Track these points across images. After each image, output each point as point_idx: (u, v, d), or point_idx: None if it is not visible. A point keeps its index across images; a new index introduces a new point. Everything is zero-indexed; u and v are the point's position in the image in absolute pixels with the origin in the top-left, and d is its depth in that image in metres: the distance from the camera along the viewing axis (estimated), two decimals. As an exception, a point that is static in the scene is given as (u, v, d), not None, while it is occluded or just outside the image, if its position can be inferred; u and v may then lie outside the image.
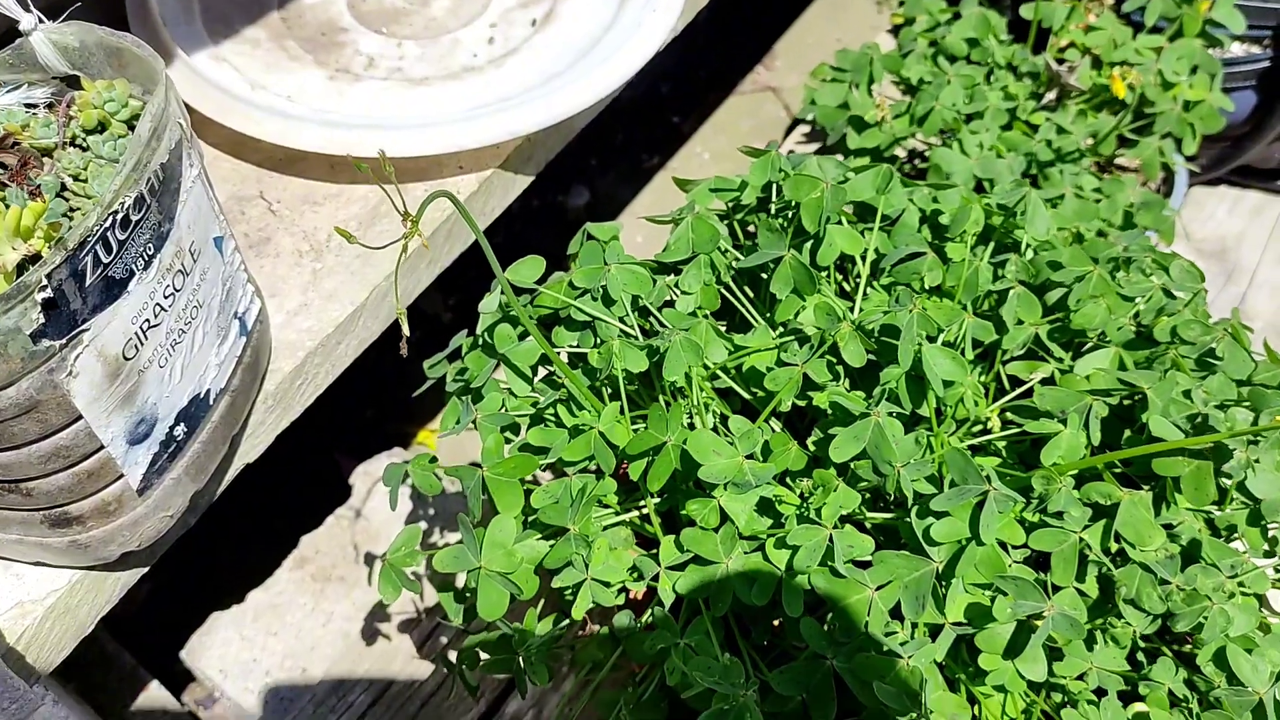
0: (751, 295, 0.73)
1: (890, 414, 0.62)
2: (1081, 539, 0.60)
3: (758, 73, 1.55)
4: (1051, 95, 1.02)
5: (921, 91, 0.97)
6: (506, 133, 0.84)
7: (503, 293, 0.68)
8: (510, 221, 1.43)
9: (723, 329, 0.71)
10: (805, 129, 1.23)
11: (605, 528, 0.64)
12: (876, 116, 0.92)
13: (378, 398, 1.27)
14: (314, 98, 0.88)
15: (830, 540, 0.59)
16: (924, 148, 1.03)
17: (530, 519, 0.64)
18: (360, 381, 1.23)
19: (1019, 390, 0.68)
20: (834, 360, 0.66)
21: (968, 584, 0.59)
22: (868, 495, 0.65)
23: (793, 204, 0.70)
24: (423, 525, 1.01)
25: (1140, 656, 0.64)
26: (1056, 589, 0.59)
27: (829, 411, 0.63)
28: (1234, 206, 1.33)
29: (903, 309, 0.62)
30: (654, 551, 0.62)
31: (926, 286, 0.71)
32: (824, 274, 0.74)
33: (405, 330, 0.54)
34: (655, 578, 0.61)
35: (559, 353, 0.67)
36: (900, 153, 1.05)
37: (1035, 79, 1.02)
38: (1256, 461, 0.64)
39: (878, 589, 0.59)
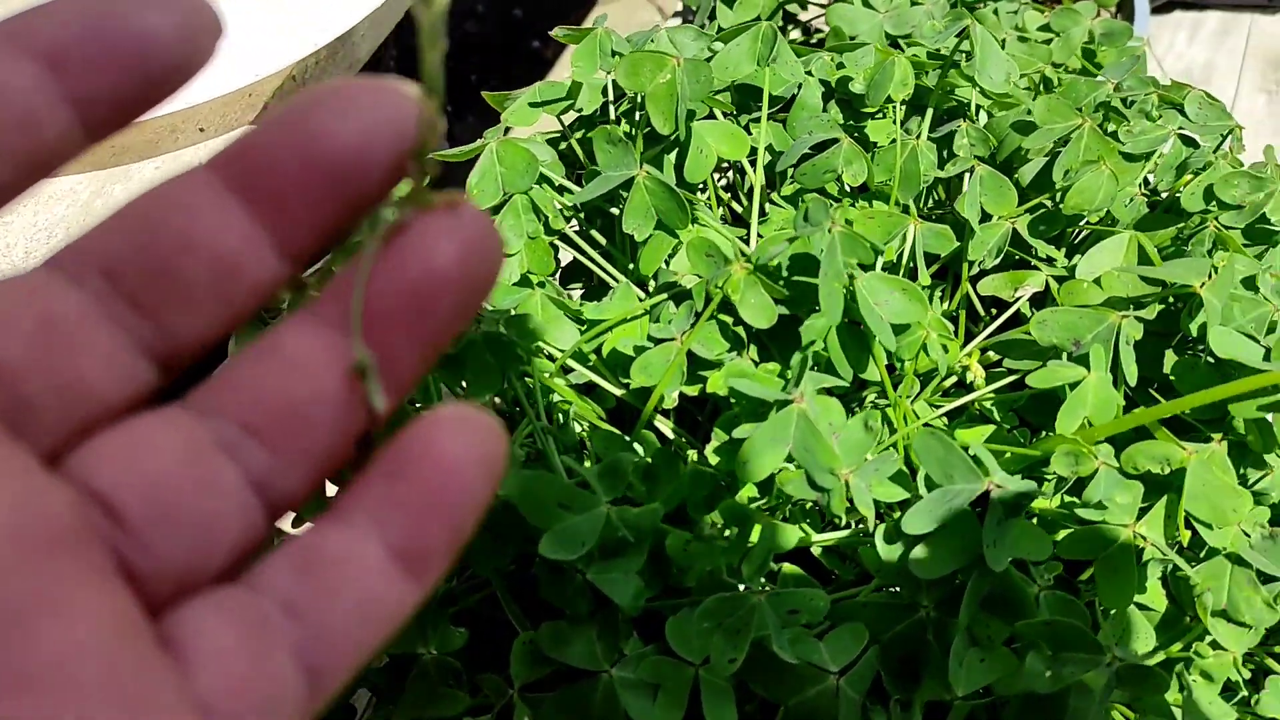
0: (606, 243, 0.51)
1: (823, 391, 0.41)
2: (1136, 533, 0.39)
3: (622, -32, 1.31)
4: (970, -82, 0.80)
5: (806, -64, 0.75)
6: (252, 74, 0.61)
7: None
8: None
9: (573, 299, 0.49)
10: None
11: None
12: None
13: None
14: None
15: (758, 610, 0.37)
16: (820, 15, 0.81)
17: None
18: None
19: (1003, 317, 0.46)
20: (730, 322, 0.44)
21: (980, 634, 0.39)
22: (811, 506, 0.44)
23: (639, 99, 0.48)
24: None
25: (1238, 677, 0.43)
26: (1106, 616, 0.39)
27: (732, 401, 0.42)
28: (1194, 33, 1.13)
29: (816, 228, 0.40)
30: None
31: (848, 188, 0.49)
32: (702, 195, 0.52)
33: None
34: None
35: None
36: (794, 34, 0.83)
37: (947, -100, 0.80)
38: (1363, 365, 0.43)
39: (842, 674, 0.38)
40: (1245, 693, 0.43)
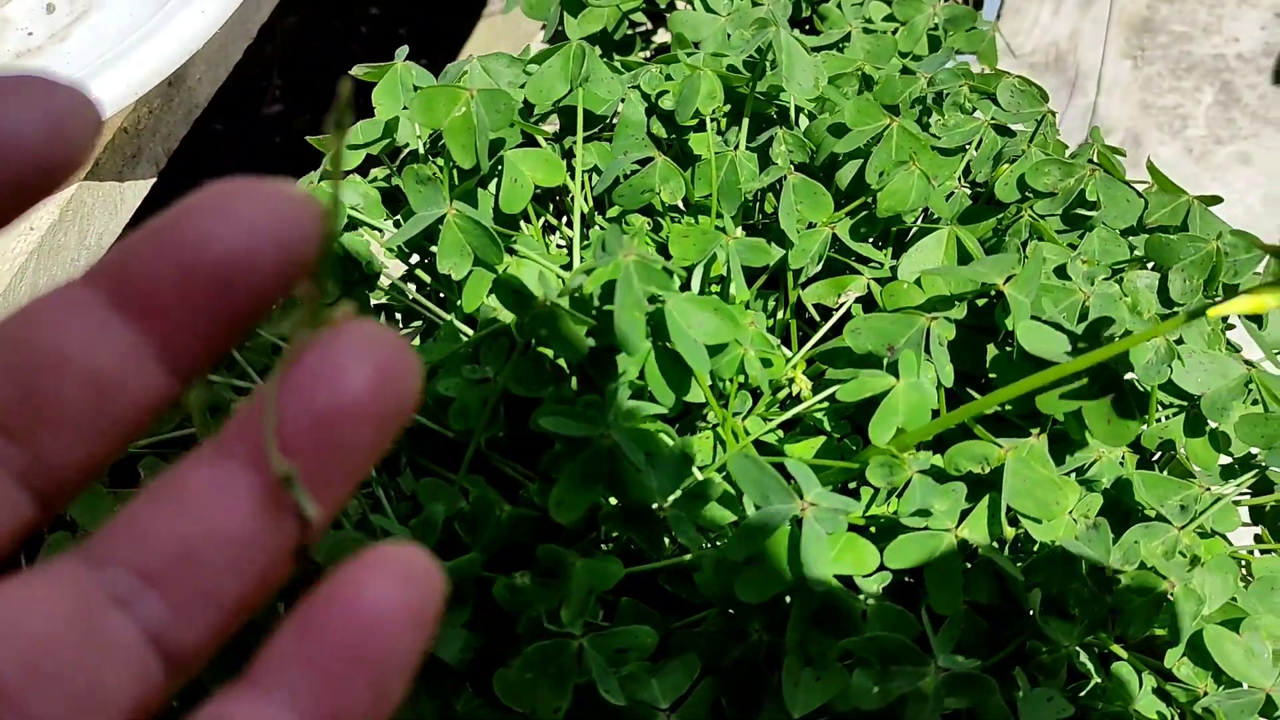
0: (430, 282, 0.50)
1: (646, 420, 0.40)
2: (959, 538, 0.39)
3: (491, -18, 1.30)
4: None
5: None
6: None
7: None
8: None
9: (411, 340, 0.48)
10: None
11: None
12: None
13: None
14: None
15: (582, 653, 0.37)
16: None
17: None
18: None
19: (828, 325, 0.46)
20: (551, 355, 0.43)
21: (813, 653, 0.38)
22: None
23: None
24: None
25: (1085, 663, 0.43)
26: (939, 621, 0.38)
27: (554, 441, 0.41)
28: (1058, 6, 1.14)
29: (610, 257, 0.39)
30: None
31: (666, 204, 0.48)
32: (527, 225, 0.51)
33: None
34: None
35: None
36: (651, 54, 0.82)
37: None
38: (1180, 343, 0.43)
39: (673, 709, 0.37)
40: (1098, 680, 0.43)
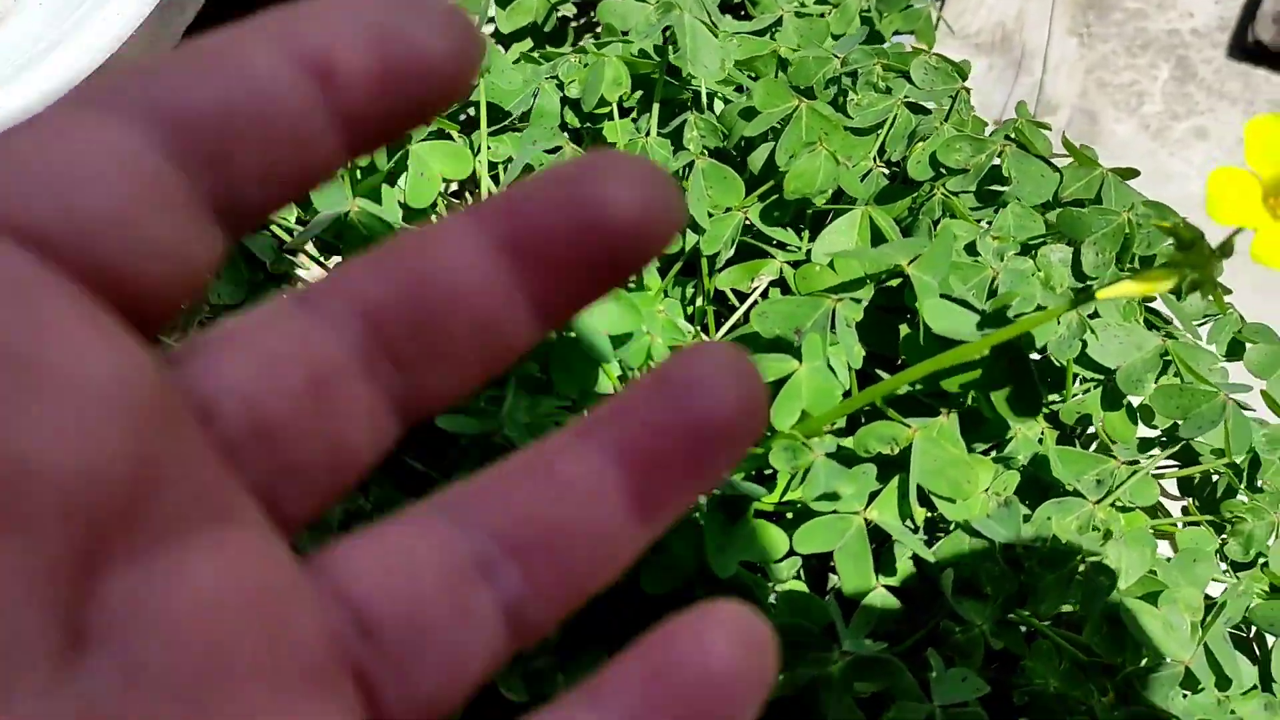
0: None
1: (553, 412, 0.39)
2: (869, 520, 0.38)
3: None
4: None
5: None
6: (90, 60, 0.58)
7: None
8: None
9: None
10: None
11: None
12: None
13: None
14: None
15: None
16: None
17: None
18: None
19: (740, 310, 0.46)
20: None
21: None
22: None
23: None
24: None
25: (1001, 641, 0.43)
26: (850, 605, 0.38)
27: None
28: (1008, -16, 1.14)
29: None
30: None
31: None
32: (438, 219, 0.50)
33: None
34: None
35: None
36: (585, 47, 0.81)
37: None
38: (1094, 316, 0.43)
39: None
40: (1021, 657, 0.43)
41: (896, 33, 0.77)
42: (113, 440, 0.13)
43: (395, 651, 0.15)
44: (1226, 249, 0.29)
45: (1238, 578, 0.44)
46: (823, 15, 0.73)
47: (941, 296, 0.41)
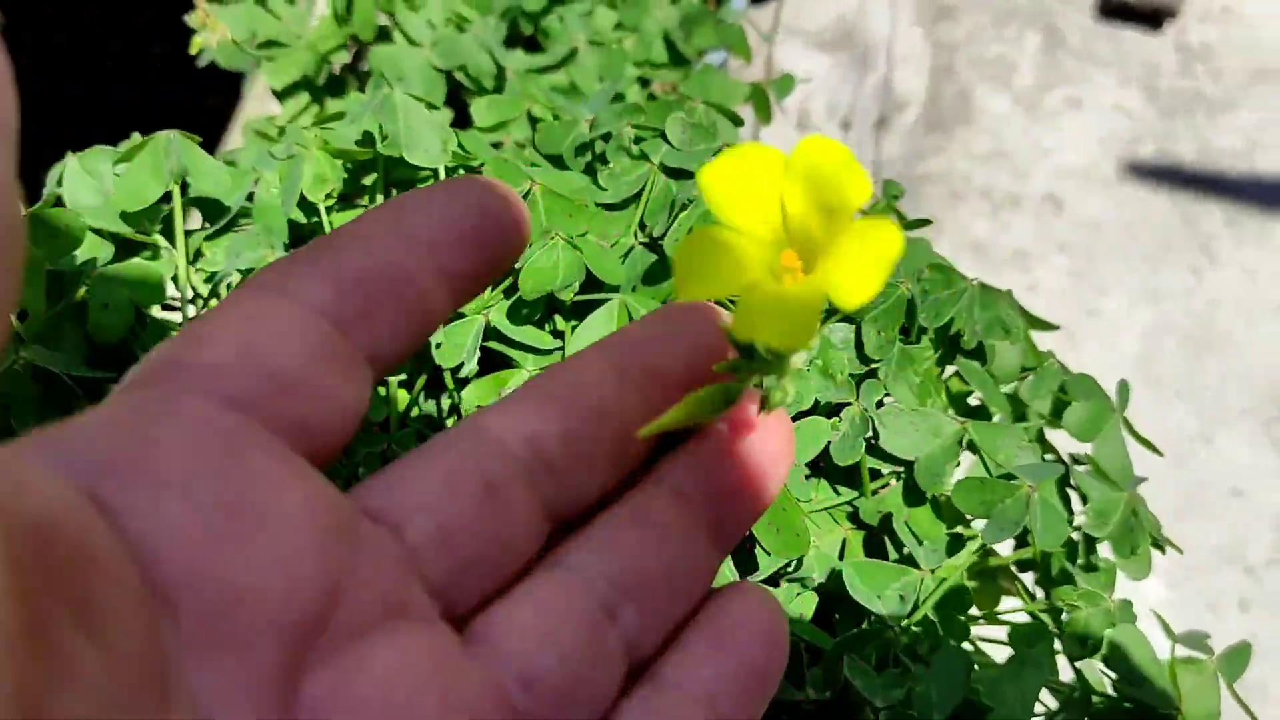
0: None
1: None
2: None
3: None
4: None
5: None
6: None
7: None
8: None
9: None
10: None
11: None
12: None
13: None
14: None
15: None
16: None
17: None
18: None
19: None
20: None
21: None
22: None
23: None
24: None
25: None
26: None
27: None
28: (855, -29, 1.08)
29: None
30: None
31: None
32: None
33: None
34: None
35: None
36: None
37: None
38: (880, 406, 0.37)
39: None
40: None
41: (709, 50, 0.71)
42: (307, 564, 0.16)
43: (552, 696, 0.17)
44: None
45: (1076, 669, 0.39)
46: (619, 43, 0.67)
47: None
